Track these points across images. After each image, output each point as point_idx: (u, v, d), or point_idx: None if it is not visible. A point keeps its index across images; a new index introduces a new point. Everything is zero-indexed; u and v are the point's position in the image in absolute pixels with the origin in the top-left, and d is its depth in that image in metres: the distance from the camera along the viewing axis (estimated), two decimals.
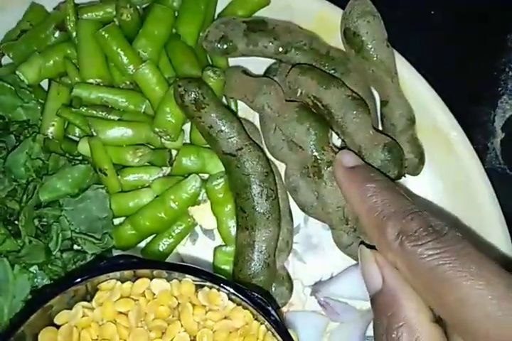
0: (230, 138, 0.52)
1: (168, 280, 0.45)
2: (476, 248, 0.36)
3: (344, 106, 0.51)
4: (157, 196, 0.55)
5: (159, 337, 0.44)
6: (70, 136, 0.57)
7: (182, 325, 0.45)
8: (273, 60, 0.58)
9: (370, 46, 0.52)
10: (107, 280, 0.44)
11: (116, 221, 0.55)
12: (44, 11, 0.59)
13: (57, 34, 0.58)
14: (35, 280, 0.47)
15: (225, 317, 0.45)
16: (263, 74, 0.59)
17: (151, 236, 0.56)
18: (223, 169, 0.55)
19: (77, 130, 0.57)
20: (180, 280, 0.45)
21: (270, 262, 0.51)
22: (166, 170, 0.57)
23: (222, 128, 0.51)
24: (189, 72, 0.55)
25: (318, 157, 0.51)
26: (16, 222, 0.50)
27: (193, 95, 0.51)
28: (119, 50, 0.54)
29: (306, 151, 0.51)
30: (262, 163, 0.51)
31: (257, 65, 0.58)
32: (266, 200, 0.50)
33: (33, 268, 0.48)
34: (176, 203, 0.54)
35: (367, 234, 0.43)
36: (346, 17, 0.53)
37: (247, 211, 0.51)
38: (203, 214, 0.57)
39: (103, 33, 0.53)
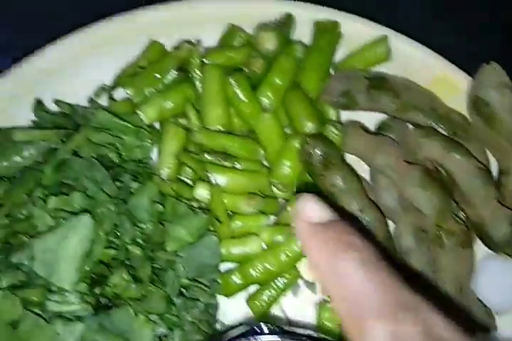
0: (352, 198, 0.52)
1: None
2: None
3: (470, 177, 0.51)
4: (266, 245, 0.55)
5: None
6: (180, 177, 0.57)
7: None
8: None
9: (501, 117, 0.52)
10: None
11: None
12: (163, 49, 0.59)
13: (176, 74, 0.58)
14: (156, 330, 0.47)
15: None
16: (376, 129, 0.59)
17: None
18: None
19: (189, 171, 0.57)
20: None
21: None
22: (274, 218, 0.57)
23: (345, 188, 0.52)
24: (306, 124, 0.55)
25: (441, 226, 0.51)
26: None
27: (321, 155, 0.51)
28: (244, 98, 0.54)
29: (427, 218, 0.51)
30: (383, 227, 0.51)
31: (364, 116, 0.58)
32: None
33: (154, 317, 0.48)
34: (288, 257, 0.54)
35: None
36: (478, 85, 0.53)
37: None
38: (306, 267, 0.57)
39: (232, 81, 0.53)
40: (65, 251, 0.44)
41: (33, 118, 0.58)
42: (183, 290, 0.52)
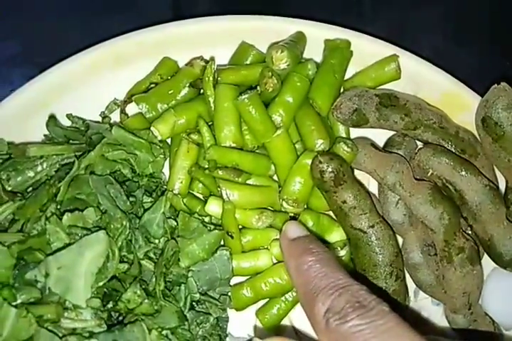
0: (362, 214, 0.52)
1: None
2: (402, 321, 0.36)
3: (480, 196, 0.52)
4: (276, 259, 0.56)
5: None
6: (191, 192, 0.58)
7: None
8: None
9: (510, 137, 0.52)
10: None
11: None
12: (176, 65, 0.60)
13: (188, 90, 0.59)
14: None
15: None
16: (384, 145, 0.60)
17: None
18: (343, 238, 0.56)
19: (200, 186, 0.57)
20: None
21: None
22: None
23: (356, 204, 0.52)
24: (317, 141, 0.56)
25: (450, 242, 0.51)
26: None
27: (333, 172, 0.51)
28: (257, 116, 0.55)
29: (436, 234, 0.52)
30: (392, 243, 0.52)
31: (372, 132, 0.59)
32: (395, 281, 0.51)
33: (166, 332, 0.48)
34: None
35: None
36: (488, 105, 0.53)
37: (374, 290, 0.51)
38: None
39: (245, 101, 0.54)
40: (80, 267, 0.45)
41: (46, 132, 0.59)
42: (194, 304, 0.52)
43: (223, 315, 0.54)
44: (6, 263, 0.45)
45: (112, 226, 0.49)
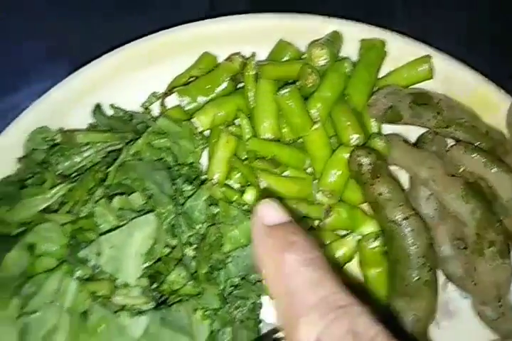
0: (396, 206, 0.54)
1: None
2: None
3: (509, 189, 0.54)
4: None
5: None
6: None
7: None
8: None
9: None
10: None
11: None
12: (216, 60, 0.62)
13: (227, 84, 0.61)
14: (212, 326, 0.49)
15: None
16: (415, 142, 0.62)
17: None
18: (375, 230, 0.57)
19: (237, 177, 0.59)
20: None
21: (425, 331, 0.53)
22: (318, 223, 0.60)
23: (391, 197, 0.54)
24: (352, 136, 0.58)
25: (481, 236, 0.53)
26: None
27: (371, 165, 0.53)
28: (296, 110, 0.57)
29: (468, 228, 0.54)
30: (425, 235, 0.54)
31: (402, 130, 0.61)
32: (428, 271, 0.53)
33: (209, 313, 0.50)
34: (332, 261, 0.56)
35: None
36: None
37: (407, 279, 0.53)
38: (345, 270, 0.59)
39: (286, 95, 0.56)
40: (130, 248, 0.47)
41: (89, 121, 0.61)
42: (233, 289, 0.54)
43: (258, 301, 0.56)
44: (60, 241, 0.46)
45: (158, 210, 0.51)
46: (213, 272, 0.53)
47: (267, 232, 0.33)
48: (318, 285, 0.29)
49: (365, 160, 0.53)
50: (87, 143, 0.56)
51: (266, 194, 0.56)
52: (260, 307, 0.57)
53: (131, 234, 0.47)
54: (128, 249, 0.46)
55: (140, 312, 0.45)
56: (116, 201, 0.50)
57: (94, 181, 0.53)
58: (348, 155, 0.56)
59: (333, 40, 0.60)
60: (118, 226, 0.48)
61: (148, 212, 0.49)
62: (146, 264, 0.47)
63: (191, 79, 0.63)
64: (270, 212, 0.34)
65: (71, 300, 0.42)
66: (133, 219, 0.48)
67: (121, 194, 0.51)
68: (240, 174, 0.59)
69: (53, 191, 0.50)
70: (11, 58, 0.71)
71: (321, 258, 0.31)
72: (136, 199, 0.51)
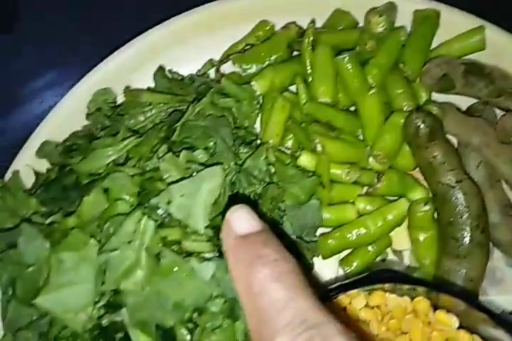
0: (451, 170, 0.56)
1: (400, 295, 0.49)
2: None
3: None
4: (360, 214, 0.59)
5: None
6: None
7: (410, 340, 0.48)
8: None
9: None
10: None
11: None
12: (273, 29, 0.64)
13: (283, 52, 0.63)
14: None
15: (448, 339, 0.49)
16: (464, 113, 0.63)
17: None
18: (425, 196, 0.59)
19: (290, 142, 0.61)
20: (412, 298, 0.49)
21: (477, 291, 0.54)
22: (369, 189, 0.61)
23: (446, 160, 0.56)
24: (406, 103, 0.60)
25: None
26: None
27: (428, 128, 0.55)
28: (354, 74, 0.58)
29: None
30: (479, 198, 0.55)
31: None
32: (481, 233, 0.54)
33: None
34: (381, 226, 0.57)
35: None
36: None
37: (460, 241, 0.55)
38: (394, 235, 0.60)
39: (346, 59, 0.58)
40: (200, 197, 0.48)
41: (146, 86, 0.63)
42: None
43: (310, 262, 0.58)
44: (131, 190, 0.48)
45: (222, 166, 0.52)
46: (272, 228, 0.54)
47: (239, 242, 0.31)
48: (289, 303, 0.27)
49: (423, 123, 0.55)
50: (150, 104, 0.58)
51: (324, 155, 0.57)
52: (312, 268, 0.58)
53: (200, 185, 0.49)
54: (198, 197, 0.48)
55: (207, 259, 0.47)
56: (183, 156, 0.51)
57: (157, 139, 0.55)
58: (403, 120, 0.57)
59: (389, 10, 0.62)
60: (185, 178, 0.50)
61: (214, 165, 0.50)
62: (213, 215, 0.49)
63: (247, 47, 0.64)
64: (242, 221, 0.32)
65: (149, 240, 0.44)
66: (199, 172, 0.50)
67: (187, 149, 0.52)
68: (293, 140, 0.61)
69: (125, 142, 0.51)
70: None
71: (294, 271, 0.29)
72: (201, 155, 0.53)
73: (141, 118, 0.57)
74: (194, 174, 0.50)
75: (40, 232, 0.45)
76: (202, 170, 0.50)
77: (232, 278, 0.31)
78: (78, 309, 0.43)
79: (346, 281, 0.51)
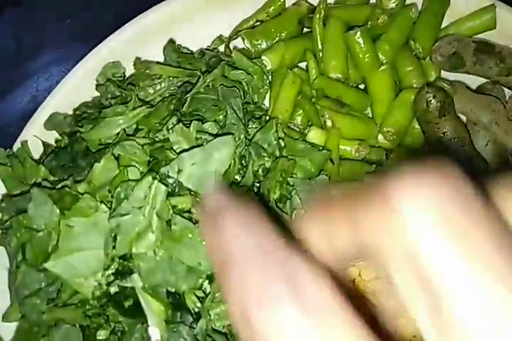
0: (460, 146, 0.56)
1: None
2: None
3: None
4: None
5: None
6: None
7: None
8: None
9: None
10: None
11: None
12: (283, 5, 0.64)
13: (294, 28, 0.62)
14: None
15: None
16: (474, 91, 0.63)
17: None
18: None
19: (299, 118, 0.61)
20: None
21: None
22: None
23: (456, 136, 0.56)
24: (416, 80, 0.59)
25: None
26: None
27: (440, 102, 0.55)
28: (365, 49, 0.58)
29: None
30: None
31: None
32: None
33: None
34: None
35: None
36: None
37: None
38: None
39: (357, 34, 0.57)
40: (210, 165, 0.48)
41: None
42: None
43: None
44: (141, 158, 0.48)
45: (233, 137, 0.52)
46: (281, 201, 0.54)
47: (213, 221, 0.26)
48: (255, 233, 0.24)
49: (434, 98, 0.55)
50: (160, 77, 0.58)
51: (334, 130, 0.57)
52: None
53: (211, 154, 0.48)
54: (208, 166, 0.48)
55: None
56: (193, 126, 0.51)
57: (167, 111, 0.55)
58: (414, 96, 0.57)
59: None
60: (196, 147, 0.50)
61: (226, 134, 0.50)
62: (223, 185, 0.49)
63: (257, 23, 0.64)
64: (217, 198, 0.27)
65: (160, 204, 0.43)
66: (210, 141, 0.50)
67: (197, 120, 0.52)
68: (302, 116, 0.60)
69: (136, 111, 0.51)
70: None
71: (262, 218, 0.25)
72: (211, 127, 0.52)
73: (151, 90, 0.57)
74: (205, 144, 0.50)
75: (50, 197, 0.44)
76: (213, 139, 0.50)
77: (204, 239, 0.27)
78: (88, 274, 0.43)
79: None
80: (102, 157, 0.46)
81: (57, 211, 0.44)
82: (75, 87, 0.60)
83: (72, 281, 0.42)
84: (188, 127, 0.52)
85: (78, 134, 0.51)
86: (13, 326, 0.48)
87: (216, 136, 0.51)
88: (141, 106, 0.52)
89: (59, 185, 0.46)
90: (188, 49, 0.63)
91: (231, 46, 0.64)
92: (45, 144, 0.56)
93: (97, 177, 0.46)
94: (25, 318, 0.44)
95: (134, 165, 0.46)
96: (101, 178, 0.45)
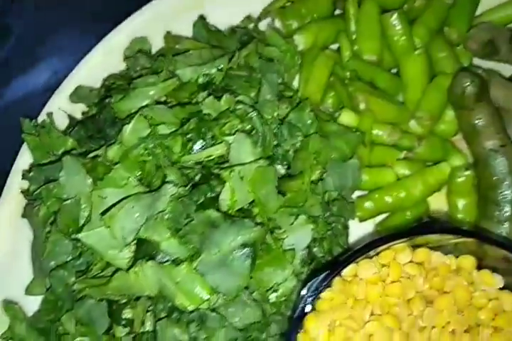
0: (494, 133, 0.55)
1: (444, 252, 0.48)
2: None
3: None
4: (398, 179, 0.58)
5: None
6: None
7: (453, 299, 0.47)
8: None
9: None
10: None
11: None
12: None
13: (325, 9, 0.61)
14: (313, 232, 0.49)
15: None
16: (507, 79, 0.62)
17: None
18: (465, 162, 0.58)
19: (329, 101, 0.59)
20: (457, 256, 0.48)
21: None
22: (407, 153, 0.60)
23: (491, 123, 0.54)
24: (450, 66, 0.58)
25: None
26: None
27: (476, 88, 0.54)
28: (402, 31, 0.57)
29: None
30: None
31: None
32: None
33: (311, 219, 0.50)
34: (424, 188, 0.56)
35: None
36: None
37: (501, 205, 0.53)
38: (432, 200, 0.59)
39: (394, 15, 0.56)
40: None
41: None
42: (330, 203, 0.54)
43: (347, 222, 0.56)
44: (172, 119, 0.47)
45: (264, 115, 0.51)
46: (315, 182, 0.52)
47: None
48: None
49: (471, 83, 0.54)
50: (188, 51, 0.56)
51: (368, 113, 0.56)
52: (347, 228, 0.57)
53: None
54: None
55: None
56: (225, 99, 0.50)
57: (196, 85, 0.53)
58: (449, 82, 0.56)
59: None
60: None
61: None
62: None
63: (288, 3, 0.63)
64: None
65: None
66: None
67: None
68: (334, 98, 0.59)
69: (168, 82, 0.49)
70: None
71: None
72: (245, 100, 0.51)
73: (181, 65, 0.55)
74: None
75: (83, 167, 0.43)
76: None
77: None
78: (121, 246, 0.41)
79: (394, 232, 0.49)
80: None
81: (90, 181, 0.43)
82: (100, 63, 0.58)
83: (105, 253, 0.40)
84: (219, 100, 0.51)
85: (107, 103, 0.49)
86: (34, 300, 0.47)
87: (254, 108, 0.49)
88: (172, 77, 0.50)
89: (91, 155, 0.44)
90: (216, 27, 0.61)
91: (260, 26, 0.63)
92: (71, 117, 0.54)
93: (128, 138, 0.44)
94: (51, 291, 0.43)
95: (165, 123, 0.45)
96: (132, 139, 0.44)
